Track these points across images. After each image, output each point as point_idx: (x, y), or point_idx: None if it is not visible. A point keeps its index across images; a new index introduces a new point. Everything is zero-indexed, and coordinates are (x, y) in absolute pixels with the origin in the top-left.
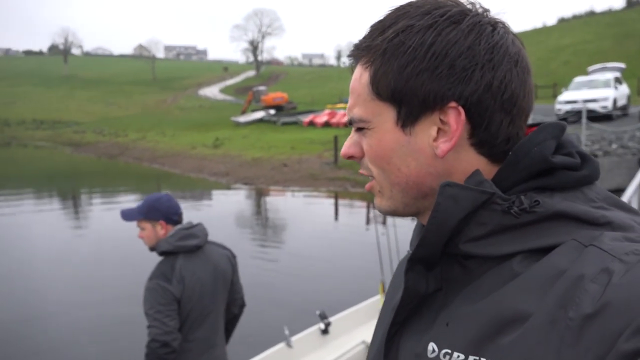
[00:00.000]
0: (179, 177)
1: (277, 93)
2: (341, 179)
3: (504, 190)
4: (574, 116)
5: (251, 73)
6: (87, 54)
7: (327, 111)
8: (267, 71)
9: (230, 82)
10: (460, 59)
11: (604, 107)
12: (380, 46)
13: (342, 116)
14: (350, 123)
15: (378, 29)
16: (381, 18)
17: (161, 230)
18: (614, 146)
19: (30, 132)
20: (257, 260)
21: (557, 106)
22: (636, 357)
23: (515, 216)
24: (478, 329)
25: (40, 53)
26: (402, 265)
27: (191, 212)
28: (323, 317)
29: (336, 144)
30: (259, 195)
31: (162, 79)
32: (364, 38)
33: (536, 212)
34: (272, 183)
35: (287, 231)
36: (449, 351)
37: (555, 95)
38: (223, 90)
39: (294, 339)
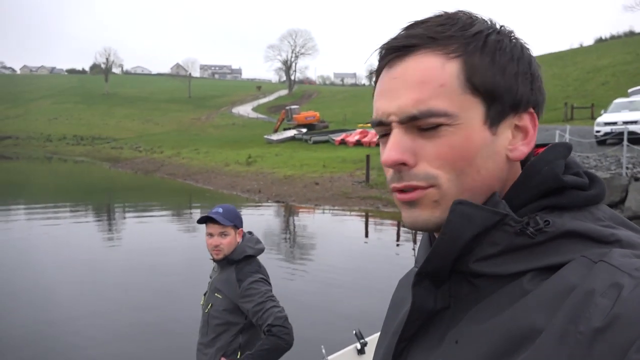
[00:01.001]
0: (213, 193)
1: (310, 112)
2: (373, 197)
3: (515, 209)
4: (614, 138)
5: (284, 92)
6: (126, 73)
7: (358, 130)
8: (300, 90)
9: (263, 100)
10: (536, 69)
11: None
12: (474, 40)
13: (373, 135)
14: (400, 122)
15: (448, 24)
16: (439, 16)
17: (238, 238)
18: None
19: (70, 147)
20: (289, 273)
21: (597, 128)
22: None
23: (531, 237)
24: (489, 347)
25: (83, 72)
26: (403, 283)
27: None
28: (359, 336)
29: (368, 162)
30: (290, 212)
31: (198, 97)
32: (431, 26)
33: (547, 232)
34: (303, 201)
35: (320, 247)
36: None
37: (593, 117)
38: (256, 109)
39: (330, 357)
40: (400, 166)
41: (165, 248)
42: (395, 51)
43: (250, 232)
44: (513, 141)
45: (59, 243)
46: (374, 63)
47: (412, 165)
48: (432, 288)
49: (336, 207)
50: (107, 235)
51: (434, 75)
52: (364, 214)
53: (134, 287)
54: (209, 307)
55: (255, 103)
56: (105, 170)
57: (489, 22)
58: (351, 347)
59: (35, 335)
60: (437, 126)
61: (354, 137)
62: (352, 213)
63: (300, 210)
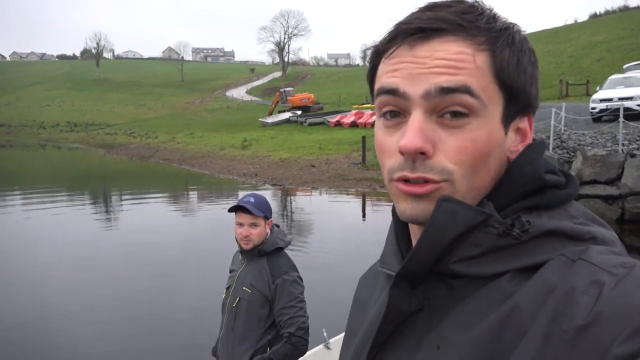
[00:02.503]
0: (209, 178)
1: (304, 94)
2: (369, 179)
3: (498, 209)
4: (610, 115)
5: (278, 74)
6: (118, 58)
7: (354, 111)
8: (294, 72)
9: (257, 83)
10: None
11: None
12: (502, 35)
13: (369, 116)
14: (429, 96)
15: (473, 13)
16: (460, 2)
17: (268, 229)
18: None
19: (64, 134)
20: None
21: (592, 104)
22: None
23: (517, 238)
24: (475, 352)
25: (74, 57)
26: (366, 282)
27: (220, 210)
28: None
29: (364, 144)
30: (287, 195)
31: (191, 81)
32: (458, 13)
33: (529, 233)
34: (300, 184)
35: (318, 229)
36: None
37: (588, 94)
38: (250, 92)
39: (332, 340)
40: (418, 155)
41: (163, 233)
42: (419, 32)
43: (277, 225)
44: (514, 143)
45: (54, 229)
46: (374, 40)
47: (429, 156)
48: (408, 289)
49: (333, 189)
50: (103, 221)
51: (468, 59)
52: (360, 195)
53: (129, 273)
54: (236, 301)
55: (249, 86)
56: (99, 156)
57: (507, 19)
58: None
59: (29, 326)
60: (462, 117)
61: (349, 118)
62: (349, 195)
63: (297, 192)
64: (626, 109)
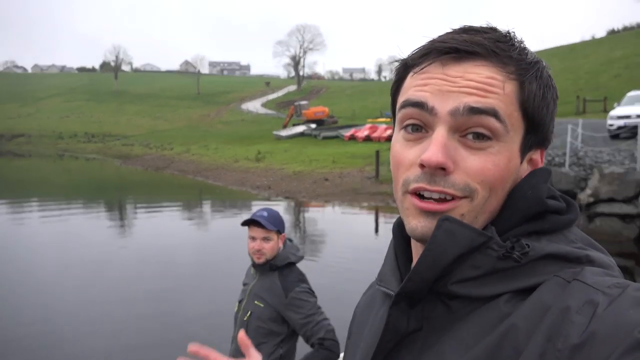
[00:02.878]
0: (222, 190)
1: (319, 107)
2: (382, 193)
3: (500, 232)
4: (628, 132)
5: (293, 87)
6: (136, 70)
7: (368, 125)
8: (309, 86)
9: (272, 96)
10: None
11: None
12: (531, 68)
13: (383, 130)
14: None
15: (506, 42)
16: (494, 30)
17: (280, 243)
18: None
19: (82, 144)
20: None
21: (610, 121)
22: None
23: (517, 261)
24: None
25: (93, 70)
26: (364, 304)
27: (234, 222)
28: None
29: (377, 158)
30: (300, 208)
31: (207, 93)
32: (492, 40)
33: (528, 256)
34: (313, 197)
35: (330, 242)
36: None
37: (605, 110)
38: (265, 105)
39: (343, 355)
40: (438, 170)
41: (177, 245)
42: (454, 52)
43: (290, 240)
44: (525, 173)
45: (69, 238)
46: (401, 53)
47: (448, 173)
48: (406, 309)
49: (346, 203)
50: (118, 231)
51: (498, 85)
52: (374, 210)
53: (143, 282)
54: (248, 315)
55: (264, 99)
56: (116, 167)
57: (535, 54)
58: None
59: (39, 332)
60: (484, 140)
61: (363, 132)
62: (362, 209)
63: (310, 206)
64: None
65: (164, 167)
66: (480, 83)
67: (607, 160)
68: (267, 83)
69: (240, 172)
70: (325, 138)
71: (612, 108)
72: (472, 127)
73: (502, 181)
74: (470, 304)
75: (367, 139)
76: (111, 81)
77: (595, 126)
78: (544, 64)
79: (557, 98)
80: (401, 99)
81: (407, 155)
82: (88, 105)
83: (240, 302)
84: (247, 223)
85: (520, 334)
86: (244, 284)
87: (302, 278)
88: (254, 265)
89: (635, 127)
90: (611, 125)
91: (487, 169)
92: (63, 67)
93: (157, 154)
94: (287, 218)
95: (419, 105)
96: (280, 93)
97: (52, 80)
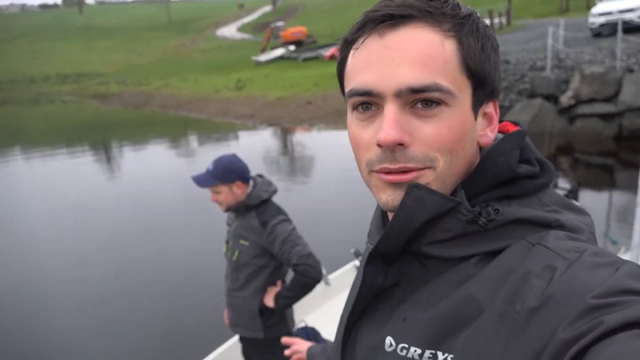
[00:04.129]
0: (206, 122)
1: (296, 28)
2: None
3: (470, 198)
4: (609, 29)
5: (267, 8)
6: (101, 3)
7: None
8: (284, 5)
9: (247, 19)
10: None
11: None
12: (468, 20)
13: None
14: (401, 94)
15: (439, 0)
16: None
17: (238, 190)
18: None
19: (56, 87)
20: (286, 191)
21: (591, 19)
22: (571, 345)
23: (483, 227)
24: (434, 325)
25: (55, 6)
26: (363, 256)
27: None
28: (358, 254)
29: None
30: (285, 134)
31: (178, 21)
32: (428, 1)
33: (496, 221)
34: (297, 122)
35: (316, 166)
36: (406, 345)
37: (589, 7)
38: (241, 29)
39: (331, 277)
40: (397, 146)
41: (167, 182)
42: (388, 19)
43: (260, 175)
44: (482, 127)
45: (56, 183)
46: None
47: (407, 146)
48: (383, 266)
49: (331, 126)
50: (106, 173)
51: (437, 51)
52: None
53: (135, 223)
54: (236, 254)
55: (239, 22)
56: (94, 108)
57: (468, 7)
58: (350, 264)
59: (28, 273)
60: (434, 106)
61: None
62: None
63: (295, 131)
64: (625, 23)
65: (143, 103)
66: (420, 51)
67: (588, 61)
68: (241, 5)
69: (221, 102)
70: (305, 60)
71: (594, 4)
72: (418, 98)
73: (461, 143)
74: (443, 264)
75: None
76: (76, 16)
77: (579, 25)
78: (478, 14)
79: (497, 47)
80: (348, 85)
81: (364, 135)
82: (55, 45)
83: (227, 242)
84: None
85: (483, 294)
86: (228, 225)
87: (278, 211)
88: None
89: (616, 24)
90: (592, 23)
91: (443, 134)
92: (23, 6)
93: (135, 90)
94: (273, 144)
95: (365, 94)
96: (255, 15)
97: (13, 20)
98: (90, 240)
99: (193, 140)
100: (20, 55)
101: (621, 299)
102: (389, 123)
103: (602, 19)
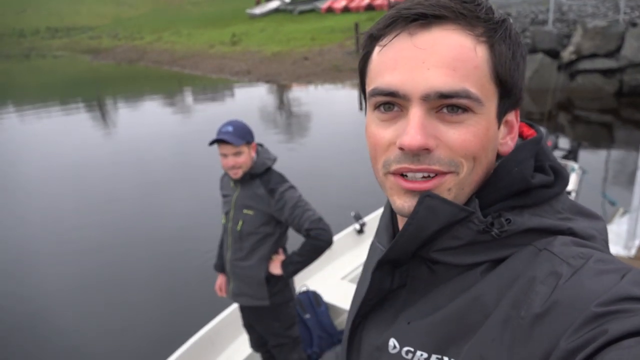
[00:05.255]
0: (201, 79)
1: None
2: None
3: (483, 207)
4: None
5: None
6: None
7: None
8: None
9: None
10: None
11: None
12: (502, 27)
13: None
14: (429, 97)
15: (473, 2)
16: None
17: (252, 152)
18: None
19: (46, 41)
20: (287, 150)
21: None
22: (575, 354)
23: (495, 238)
24: (441, 330)
25: None
26: (370, 254)
27: (217, 108)
28: (358, 217)
29: (357, 31)
30: (282, 91)
31: None
32: (462, 3)
33: (508, 230)
34: (294, 78)
35: (314, 124)
36: (412, 349)
37: None
38: None
39: (366, 219)
40: (422, 150)
41: (160, 139)
42: (421, 18)
43: (261, 145)
44: (503, 135)
45: (52, 140)
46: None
47: (432, 150)
48: (390, 270)
49: (328, 82)
50: (102, 130)
51: (468, 56)
52: (356, 87)
53: (133, 180)
54: (240, 224)
55: None
56: (87, 63)
57: (501, 12)
58: (350, 228)
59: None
60: (460, 113)
61: (340, 2)
62: (345, 86)
63: (292, 88)
64: None
65: (137, 59)
66: (451, 58)
67: (591, 14)
68: None
69: (217, 58)
70: (301, 12)
71: None
72: (445, 104)
73: (485, 150)
74: (452, 270)
75: (346, 9)
76: None
77: None
78: (511, 21)
79: (526, 55)
80: (371, 83)
81: (384, 135)
82: None
83: (227, 213)
84: (215, 142)
85: (489, 299)
86: (225, 196)
87: (282, 179)
88: (234, 180)
89: None
90: None
91: (469, 140)
92: None
93: (128, 45)
94: (270, 101)
95: (390, 94)
96: None
97: None
98: (86, 196)
99: (188, 97)
100: (6, 7)
101: (626, 306)
102: (415, 127)
103: None
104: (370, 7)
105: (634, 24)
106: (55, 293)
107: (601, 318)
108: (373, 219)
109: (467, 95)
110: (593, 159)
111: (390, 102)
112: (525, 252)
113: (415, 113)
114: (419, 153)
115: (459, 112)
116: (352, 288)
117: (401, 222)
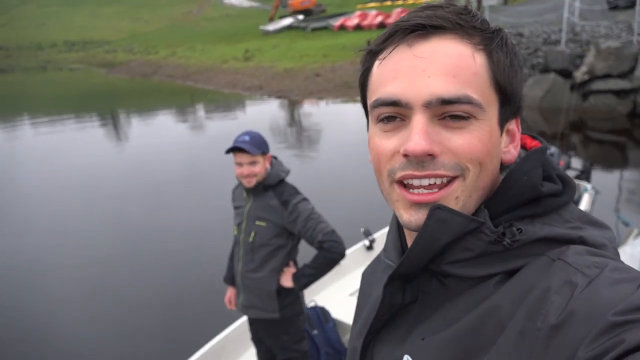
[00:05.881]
0: (214, 93)
1: None
2: None
3: (492, 217)
4: (627, 1)
5: None
6: None
7: (358, 13)
8: None
9: None
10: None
11: None
12: (498, 35)
13: (374, 17)
14: (430, 104)
15: (468, 14)
16: (453, 5)
17: (267, 163)
18: None
19: (63, 54)
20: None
21: None
22: None
23: (507, 248)
24: (456, 345)
25: None
26: (369, 275)
27: (229, 123)
28: (367, 233)
29: None
30: (294, 107)
31: None
32: (455, 13)
33: (520, 240)
34: (306, 94)
35: (325, 140)
36: None
37: None
38: None
39: (376, 236)
40: (426, 157)
41: (171, 152)
42: (419, 28)
43: (275, 157)
44: (505, 144)
45: (65, 152)
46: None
47: (437, 156)
48: (401, 285)
49: (339, 99)
50: (114, 143)
51: (467, 63)
52: None
53: (142, 192)
54: (252, 235)
55: None
56: (102, 76)
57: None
58: (360, 244)
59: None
60: (465, 119)
61: (353, 20)
62: (356, 103)
63: (303, 104)
64: None
65: (151, 73)
66: (450, 66)
67: (604, 35)
68: None
69: (229, 73)
70: (314, 30)
71: None
72: (448, 112)
73: (490, 155)
74: (464, 283)
75: (358, 27)
76: None
77: None
78: (506, 31)
79: (523, 65)
80: (372, 95)
81: (387, 144)
82: (64, 10)
83: (239, 225)
84: (231, 150)
85: (503, 311)
86: (237, 207)
87: (296, 191)
88: (246, 188)
89: None
90: None
91: (474, 145)
92: None
93: (142, 59)
94: (281, 116)
95: (393, 104)
96: None
97: None
98: (96, 206)
99: (200, 111)
100: (28, 21)
101: None
102: (418, 133)
103: None
104: (382, 26)
105: None
106: (62, 302)
107: (618, 327)
108: (383, 235)
109: (468, 101)
110: (606, 179)
111: (392, 115)
112: (538, 262)
113: (419, 120)
114: (424, 159)
115: (462, 119)
116: None
117: (409, 236)
